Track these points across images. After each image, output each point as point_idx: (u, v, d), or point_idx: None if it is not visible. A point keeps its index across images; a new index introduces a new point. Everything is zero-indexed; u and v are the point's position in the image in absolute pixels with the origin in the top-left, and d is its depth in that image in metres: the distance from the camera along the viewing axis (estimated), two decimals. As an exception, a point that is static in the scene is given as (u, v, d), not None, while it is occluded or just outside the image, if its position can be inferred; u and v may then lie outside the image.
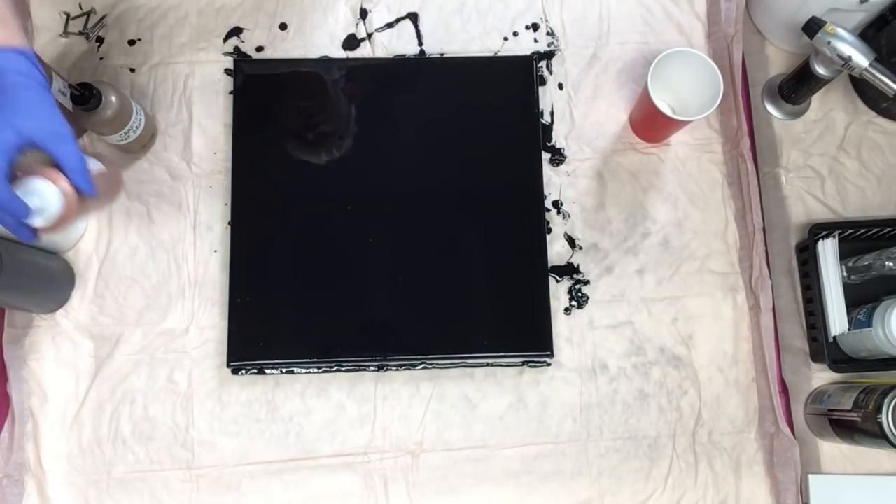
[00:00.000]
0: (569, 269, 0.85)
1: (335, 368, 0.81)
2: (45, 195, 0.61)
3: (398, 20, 0.90)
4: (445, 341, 0.81)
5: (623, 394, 0.82)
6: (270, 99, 0.86)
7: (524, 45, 0.90)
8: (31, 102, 0.60)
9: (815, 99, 0.90)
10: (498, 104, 0.87)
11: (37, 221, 0.61)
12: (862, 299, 0.82)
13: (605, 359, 0.83)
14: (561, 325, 0.83)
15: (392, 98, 0.87)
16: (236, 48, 0.89)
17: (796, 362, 0.84)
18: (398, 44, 0.90)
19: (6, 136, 0.58)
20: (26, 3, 0.88)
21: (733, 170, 0.87)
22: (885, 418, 0.70)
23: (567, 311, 0.84)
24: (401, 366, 0.81)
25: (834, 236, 0.83)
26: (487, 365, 0.82)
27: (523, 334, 0.82)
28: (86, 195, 0.63)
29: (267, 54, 0.89)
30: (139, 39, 0.89)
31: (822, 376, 0.84)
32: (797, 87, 0.86)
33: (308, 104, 0.86)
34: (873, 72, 0.75)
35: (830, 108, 0.91)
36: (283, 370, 0.81)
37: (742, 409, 0.83)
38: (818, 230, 0.83)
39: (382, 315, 0.82)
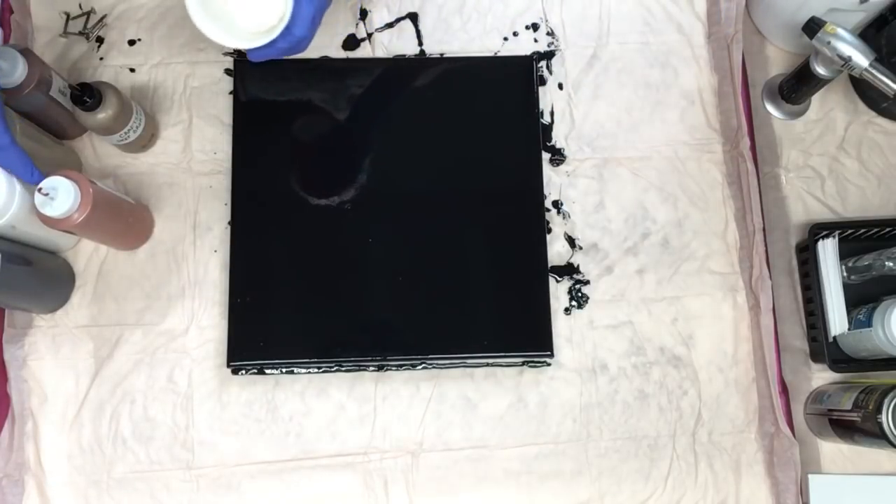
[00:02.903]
0: (569, 269, 0.85)
1: (335, 368, 0.81)
2: (62, 190, 0.69)
3: (398, 20, 0.90)
4: (445, 341, 0.81)
5: (623, 394, 0.82)
6: (270, 99, 0.86)
7: (524, 45, 0.90)
8: None
9: (815, 99, 0.90)
10: (498, 104, 0.87)
11: (55, 212, 0.69)
12: (862, 299, 0.82)
13: (605, 359, 0.83)
14: (561, 325, 0.83)
15: (392, 99, 0.87)
16: (236, 48, 0.89)
17: (796, 362, 0.84)
18: (398, 44, 0.90)
19: None
20: (26, 4, 0.88)
21: (733, 170, 0.87)
22: (885, 418, 0.70)
23: (567, 311, 0.84)
24: (401, 366, 0.82)
25: (834, 236, 0.83)
26: (487, 365, 0.82)
27: (523, 334, 0.82)
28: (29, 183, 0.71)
29: (267, 54, 0.89)
30: (139, 39, 0.89)
31: (822, 376, 0.84)
32: (797, 87, 0.86)
33: (308, 104, 0.86)
34: (873, 72, 0.75)
35: (830, 108, 0.91)
36: (283, 370, 0.81)
37: (742, 409, 0.83)
38: (818, 230, 0.83)
39: (382, 315, 0.82)
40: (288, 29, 0.68)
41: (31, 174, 0.70)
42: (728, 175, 0.88)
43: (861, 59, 0.76)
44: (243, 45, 0.70)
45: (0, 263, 0.70)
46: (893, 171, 0.89)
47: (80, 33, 0.88)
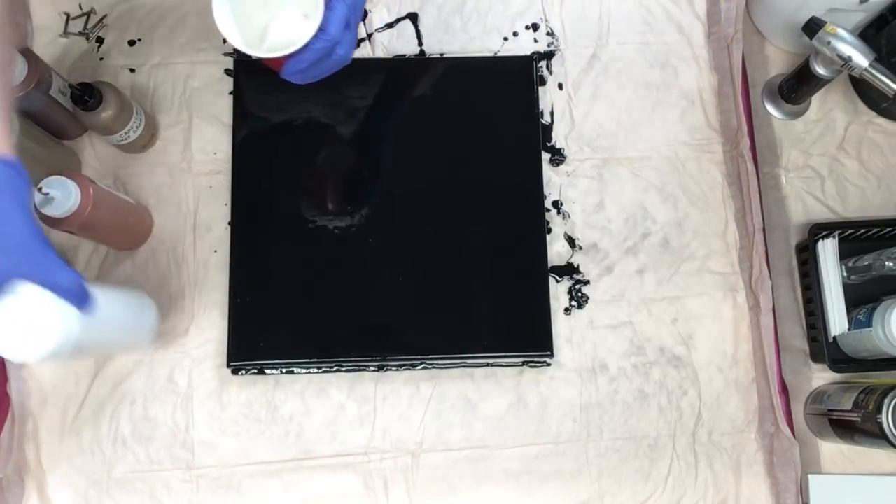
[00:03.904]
0: (569, 269, 0.85)
1: (335, 368, 0.81)
2: (62, 190, 0.69)
3: (398, 20, 0.90)
4: (445, 341, 0.81)
5: (623, 394, 0.82)
6: (270, 99, 0.86)
7: (524, 45, 0.90)
8: (5, 233, 0.54)
9: (815, 99, 0.90)
10: (498, 104, 0.87)
11: (55, 212, 0.69)
12: (862, 299, 0.82)
13: (605, 359, 0.83)
14: (561, 325, 0.83)
15: (392, 98, 0.87)
16: (236, 48, 0.89)
17: (796, 362, 0.84)
18: (398, 44, 0.90)
19: None
20: (26, 4, 0.88)
21: (733, 170, 0.87)
22: (885, 418, 0.70)
23: (567, 311, 0.84)
24: (401, 366, 0.81)
25: (834, 236, 0.83)
26: (487, 365, 0.82)
27: (523, 334, 0.82)
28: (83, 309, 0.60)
29: (267, 54, 0.89)
30: (139, 40, 0.88)
31: (822, 376, 0.84)
32: (797, 87, 0.86)
33: (306, 105, 0.86)
34: (873, 72, 0.75)
35: (830, 108, 0.91)
36: (283, 370, 0.81)
37: (742, 409, 0.83)
38: (818, 230, 0.83)
39: (382, 315, 0.82)
40: (322, 29, 0.63)
41: (84, 299, 0.59)
42: (728, 175, 0.88)
43: (861, 59, 0.76)
44: (278, 54, 0.65)
45: None
46: (893, 171, 0.89)
47: (80, 33, 0.88)
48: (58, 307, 0.57)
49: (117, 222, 0.79)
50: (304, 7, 0.67)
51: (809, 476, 0.80)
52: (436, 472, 0.80)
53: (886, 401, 0.70)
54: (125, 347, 0.78)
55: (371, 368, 0.81)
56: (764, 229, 0.83)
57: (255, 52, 0.66)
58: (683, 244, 0.86)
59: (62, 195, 0.69)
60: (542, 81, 0.89)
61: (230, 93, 0.87)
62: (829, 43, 0.77)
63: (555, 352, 0.82)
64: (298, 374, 0.81)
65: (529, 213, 0.84)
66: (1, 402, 0.80)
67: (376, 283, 0.82)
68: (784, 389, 0.82)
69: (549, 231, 0.86)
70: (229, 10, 0.67)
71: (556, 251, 0.85)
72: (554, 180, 0.87)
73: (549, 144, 0.88)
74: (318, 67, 0.65)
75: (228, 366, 0.80)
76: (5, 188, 0.53)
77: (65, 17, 0.88)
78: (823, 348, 0.80)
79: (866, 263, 0.82)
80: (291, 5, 0.69)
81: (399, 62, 0.89)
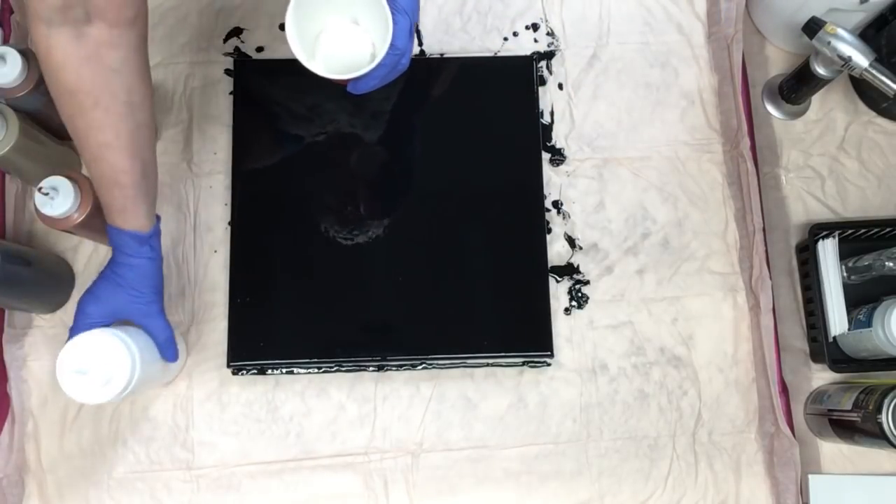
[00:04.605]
0: (569, 269, 0.85)
1: (335, 368, 0.81)
2: (62, 190, 0.70)
3: (398, 20, 0.90)
4: (445, 341, 0.81)
5: (623, 394, 0.82)
6: (270, 99, 0.86)
7: (524, 45, 0.90)
8: (130, 284, 0.69)
9: (815, 99, 0.90)
10: (498, 104, 0.87)
11: (55, 212, 0.70)
12: (862, 299, 0.82)
13: (605, 359, 0.83)
14: (561, 325, 0.83)
15: (391, 98, 0.87)
16: (236, 48, 0.89)
17: (796, 362, 0.84)
18: (398, 44, 0.90)
19: (99, 312, 0.69)
20: (26, 3, 0.87)
21: (733, 170, 0.87)
22: (885, 418, 0.70)
23: (567, 311, 0.84)
24: (401, 366, 0.81)
25: (834, 236, 0.83)
26: (487, 365, 0.82)
27: (523, 334, 0.82)
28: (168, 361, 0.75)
29: (267, 54, 0.89)
30: (139, 39, 0.88)
31: (822, 376, 0.84)
32: (797, 87, 0.86)
33: (305, 104, 0.86)
34: (873, 72, 0.76)
35: (830, 108, 0.91)
36: (284, 370, 0.81)
37: (742, 409, 0.83)
38: (818, 230, 0.83)
39: (382, 315, 0.82)
40: (392, 44, 0.66)
41: (170, 350, 0.74)
42: (728, 175, 0.88)
43: (861, 59, 0.76)
44: (354, 75, 0.67)
45: (0, 264, 0.70)
46: (893, 171, 0.89)
47: (80, 33, 0.88)
48: (131, 359, 0.67)
49: None
50: (352, 13, 0.67)
51: (809, 476, 0.80)
52: (436, 472, 0.80)
53: (886, 401, 0.70)
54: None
55: (371, 368, 0.81)
56: (764, 229, 0.83)
57: (337, 76, 0.67)
58: (683, 244, 0.86)
59: (62, 195, 0.69)
60: (542, 81, 0.89)
61: (230, 93, 0.87)
62: (829, 43, 0.77)
63: (555, 352, 0.82)
64: (298, 374, 0.81)
65: (529, 214, 0.84)
66: (1, 402, 0.80)
67: (376, 282, 0.82)
68: (784, 389, 0.82)
69: (549, 231, 0.86)
70: (297, 35, 0.67)
71: (556, 251, 0.85)
72: (554, 180, 0.87)
73: (549, 144, 0.88)
74: (384, 79, 0.68)
75: (228, 366, 0.80)
76: (142, 254, 0.70)
77: (65, 17, 0.88)
78: (823, 348, 0.80)
79: (866, 263, 0.82)
80: (341, 12, 0.69)
81: (399, 62, 0.89)
